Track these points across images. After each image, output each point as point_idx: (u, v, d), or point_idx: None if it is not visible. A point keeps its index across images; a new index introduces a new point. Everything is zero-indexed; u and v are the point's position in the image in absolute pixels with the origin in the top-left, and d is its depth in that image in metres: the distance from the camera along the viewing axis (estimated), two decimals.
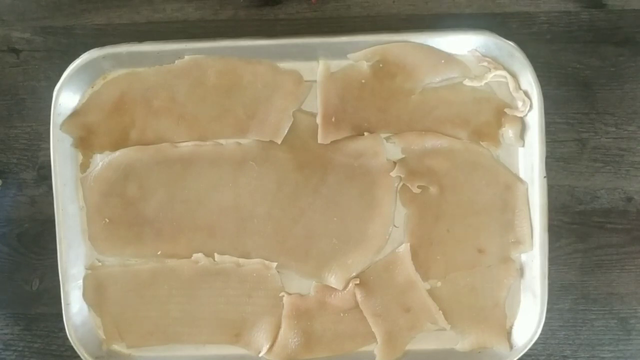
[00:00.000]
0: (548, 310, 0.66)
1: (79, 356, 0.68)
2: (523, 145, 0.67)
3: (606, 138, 0.70)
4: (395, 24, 0.69)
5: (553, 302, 0.69)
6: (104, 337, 0.70)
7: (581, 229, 0.70)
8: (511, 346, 0.69)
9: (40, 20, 0.71)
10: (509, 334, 0.69)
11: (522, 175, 0.68)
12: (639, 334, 0.71)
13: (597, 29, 0.69)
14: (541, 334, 0.67)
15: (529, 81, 0.65)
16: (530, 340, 0.67)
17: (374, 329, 0.69)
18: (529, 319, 0.68)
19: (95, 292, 0.70)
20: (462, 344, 0.70)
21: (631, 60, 0.69)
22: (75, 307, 0.69)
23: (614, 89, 0.69)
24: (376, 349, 0.69)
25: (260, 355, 0.70)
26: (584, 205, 0.70)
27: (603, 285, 0.71)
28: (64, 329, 0.68)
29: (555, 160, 0.70)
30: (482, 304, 0.69)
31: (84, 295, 0.70)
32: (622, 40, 0.68)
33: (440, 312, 0.69)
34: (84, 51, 0.67)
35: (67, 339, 0.68)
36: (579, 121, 0.70)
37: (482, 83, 0.68)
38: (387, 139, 0.69)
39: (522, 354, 0.67)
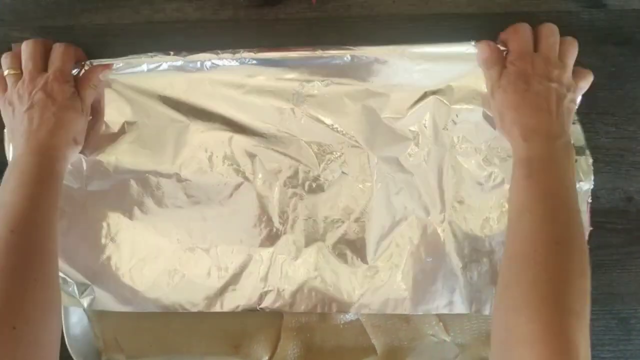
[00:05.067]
0: None
1: None
2: None
3: (606, 138, 0.70)
4: (396, 24, 0.69)
5: None
6: (103, 347, 0.70)
7: None
8: None
9: (40, 20, 0.71)
10: None
11: None
12: (639, 334, 0.71)
13: (597, 29, 0.69)
14: None
15: None
16: None
17: (373, 341, 0.69)
18: None
19: None
20: (463, 356, 0.69)
21: (631, 60, 0.69)
22: (74, 317, 0.68)
23: (614, 89, 0.69)
24: None
25: None
26: None
27: (603, 285, 0.71)
28: (62, 338, 0.66)
29: None
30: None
31: None
32: (622, 40, 0.69)
33: (441, 323, 0.69)
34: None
35: (66, 348, 0.66)
36: (579, 121, 0.69)
37: None
38: None
39: None
